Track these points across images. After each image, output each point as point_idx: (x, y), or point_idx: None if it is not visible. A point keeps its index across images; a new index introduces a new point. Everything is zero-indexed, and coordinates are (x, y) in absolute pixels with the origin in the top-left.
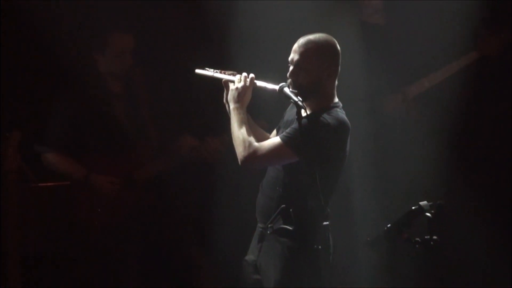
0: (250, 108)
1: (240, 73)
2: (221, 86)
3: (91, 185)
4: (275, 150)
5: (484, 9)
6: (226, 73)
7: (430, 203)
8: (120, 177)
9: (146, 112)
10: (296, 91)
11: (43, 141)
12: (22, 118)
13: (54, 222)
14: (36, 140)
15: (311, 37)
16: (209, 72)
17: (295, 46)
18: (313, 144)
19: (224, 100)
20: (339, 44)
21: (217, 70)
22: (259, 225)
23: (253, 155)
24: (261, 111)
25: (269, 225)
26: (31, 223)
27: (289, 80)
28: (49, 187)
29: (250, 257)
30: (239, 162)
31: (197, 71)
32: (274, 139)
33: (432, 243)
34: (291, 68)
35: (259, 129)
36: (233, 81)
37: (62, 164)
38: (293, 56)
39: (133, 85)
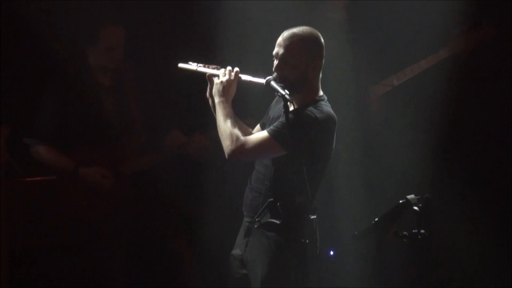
0: (236, 105)
1: (224, 67)
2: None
3: (81, 178)
4: (262, 143)
5: (454, 8)
6: (210, 67)
7: (418, 197)
8: (110, 170)
9: (134, 106)
10: (283, 84)
11: (32, 134)
12: (10, 112)
13: (42, 217)
14: (25, 133)
15: (295, 30)
16: (192, 66)
17: (280, 40)
18: (300, 137)
19: (208, 95)
20: (324, 39)
21: (200, 64)
22: (246, 219)
23: (241, 149)
24: (247, 108)
25: (256, 219)
26: (19, 217)
27: (274, 74)
28: (36, 182)
29: (236, 251)
30: (226, 156)
31: (180, 65)
32: (261, 133)
33: (419, 237)
34: (276, 62)
35: (243, 124)
36: (217, 75)
37: (52, 157)
38: (278, 50)
39: (123, 79)
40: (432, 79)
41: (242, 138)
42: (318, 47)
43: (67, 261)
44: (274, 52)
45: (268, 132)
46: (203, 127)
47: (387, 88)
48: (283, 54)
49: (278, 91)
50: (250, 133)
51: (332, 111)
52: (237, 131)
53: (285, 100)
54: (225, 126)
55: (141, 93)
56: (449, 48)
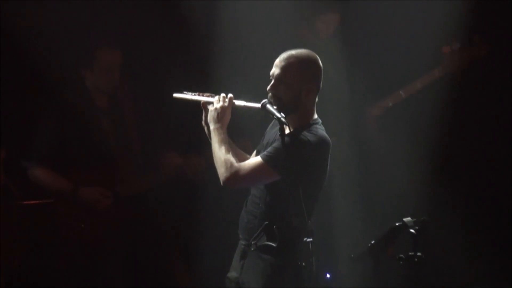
0: (232, 128)
1: (219, 95)
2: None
3: (80, 198)
4: (256, 169)
5: (446, 26)
6: (205, 95)
7: (414, 219)
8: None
9: (131, 128)
10: (277, 106)
11: (29, 156)
12: (7, 135)
13: (38, 240)
14: (22, 156)
15: (293, 52)
16: (187, 95)
17: (277, 61)
18: (294, 162)
19: (203, 123)
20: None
21: (195, 93)
22: (242, 242)
23: (235, 176)
24: (243, 131)
25: (252, 242)
26: (15, 241)
27: (269, 94)
28: (33, 205)
29: (232, 274)
30: (221, 183)
31: (175, 95)
32: (255, 159)
33: (416, 259)
34: (272, 81)
35: (239, 150)
36: (211, 103)
37: (50, 179)
38: (275, 70)
39: (119, 101)
40: (427, 98)
41: (236, 164)
42: (314, 70)
43: (65, 284)
44: (271, 72)
45: (262, 157)
46: (200, 148)
47: (382, 110)
48: (279, 74)
49: (274, 114)
50: (247, 159)
51: (325, 134)
52: (231, 158)
53: (281, 123)
54: (219, 153)
55: (138, 115)
56: (443, 66)
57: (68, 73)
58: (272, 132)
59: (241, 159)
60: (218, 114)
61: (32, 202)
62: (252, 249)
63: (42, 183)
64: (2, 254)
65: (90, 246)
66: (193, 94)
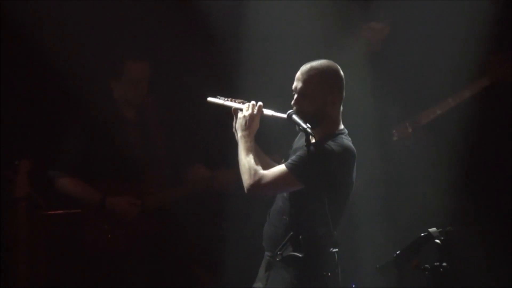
0: (262, 140)
1: (249, 101)
2: (230, 115)
3: (108, 208)
4: (280, 177)
5: (494, 34)
6: (236, 101)
7: (439, 230)
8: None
9: (158, 140)
10: (303, 118)
11: (56, 166)
12: (33, 146)
13: (64, 250)
14: (48, 167)
15: (313, 64)
16: (220, 100)
17: (298, 74)
18: (318, 171)
19: (234, 129)
20: (346, 72)
21: (227, 99)
22: (267, 253)
23: (259, 183)
24: (274, 145)
25: (278, 253)
26: (41, 250)
27: (294, 108)
28: (60, 215)
29: (258, 285)
30: (245, 190)
31: (209, 99)
32: (279, 167)
33: (441, 270)
34: (295, 96)
35: (267, 158)
36: (241, 109)
37: (77, 188)
38: (297, 84)
39: (147, 113)
40: (459, 111)
41: (260, 172)
42: (336, 80)
43: None
44: (293, 86)
45: (286, 166)
46: (227, 161)
47: (430, 118)
48: (301, 88)
49: (299, 125)
50: None
51: (351, 144)
52: (256, 166)
53: (307, 134)
54: (244, 161)
55: (165, 127)
56: (491, 76)
57: (96, 84)
58: (299, 142)
59: (269, 167)
60: (246, 121)
61: (58, 211)
62: (278, 259)
63: (70, 192)
64: (28, 263)
65: (116, 257)
66: (225, 99)
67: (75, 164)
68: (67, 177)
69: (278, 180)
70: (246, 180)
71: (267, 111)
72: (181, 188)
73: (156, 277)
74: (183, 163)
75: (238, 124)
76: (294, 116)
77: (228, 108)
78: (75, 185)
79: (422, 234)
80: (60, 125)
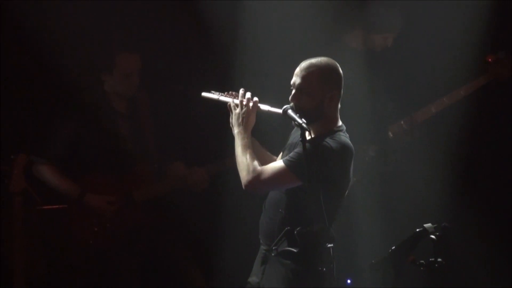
0: (259, 135)
1: (245, 91)
2: (224, 110)
3: (86, 204)
4: (278, 174)
5: (491, 33)
6: (232, 94)
7: (435, 225)
8: (119, 197)
9: (149, 133)
10: (299, 114)
11: (40, 152)
12: (28, 140)
13: (54, 244)
14: (32, 152)
15: (313, 60)
16: (214, 95)
17: (297, 70)
18: (316, 168)
19: (231, 124)
20: (343, 69)
21: (222, 94)
22: (263, 247)
23: (256, 179)
24: (268, 138)
25: (273, 247)
26: (36, 244)
27: (291, 104)
28: (49, 210)
29: (253, 279)
30: (243, 186)
31: (203, 94)
32: (277, 163)
33: (436, 265)
34: (293, 91)
35: (265, 152)
36: (237, 105)
37: (54, 178)
38: (295, 79)
39: (138, 106)
40: (455, 108)
41: (258, 168)
42: (335, 77)
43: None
44: (291, 82)
45: (284, 162)
46: (218, 154)
47: (426, 116)
48: (300, 84)
49: (295, 120)
50: (273, 160)
51: (349, 141)
52: (253, 162)
53: (302, 129)
54: (242, 157)
55: (155, 120)
56: (488, 75)
57: (87, 77)
58: (297, 134)
59: (268, 161)
60: (242, 118)
61: (52, 206)
62: (273, 254)
63: (46, 180)
64: (23, 258)
65: (105, 250)
66: (220, 94)
67: (60, 154)
68: (46, 165)
69: (277, 176)
70: (244, 176)
71: (263, 106)
72: (163, 184)
73: (146, 269)
74: (168, 159)
75: (234, 120)
76: (290, 112)
77: (223, 103)
78: (52, 174)
79: (417, 230)
80: (52, 117)
